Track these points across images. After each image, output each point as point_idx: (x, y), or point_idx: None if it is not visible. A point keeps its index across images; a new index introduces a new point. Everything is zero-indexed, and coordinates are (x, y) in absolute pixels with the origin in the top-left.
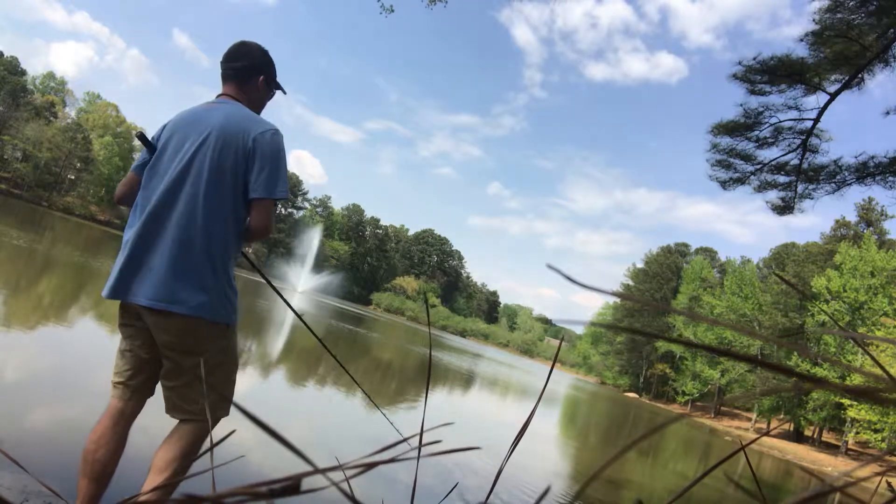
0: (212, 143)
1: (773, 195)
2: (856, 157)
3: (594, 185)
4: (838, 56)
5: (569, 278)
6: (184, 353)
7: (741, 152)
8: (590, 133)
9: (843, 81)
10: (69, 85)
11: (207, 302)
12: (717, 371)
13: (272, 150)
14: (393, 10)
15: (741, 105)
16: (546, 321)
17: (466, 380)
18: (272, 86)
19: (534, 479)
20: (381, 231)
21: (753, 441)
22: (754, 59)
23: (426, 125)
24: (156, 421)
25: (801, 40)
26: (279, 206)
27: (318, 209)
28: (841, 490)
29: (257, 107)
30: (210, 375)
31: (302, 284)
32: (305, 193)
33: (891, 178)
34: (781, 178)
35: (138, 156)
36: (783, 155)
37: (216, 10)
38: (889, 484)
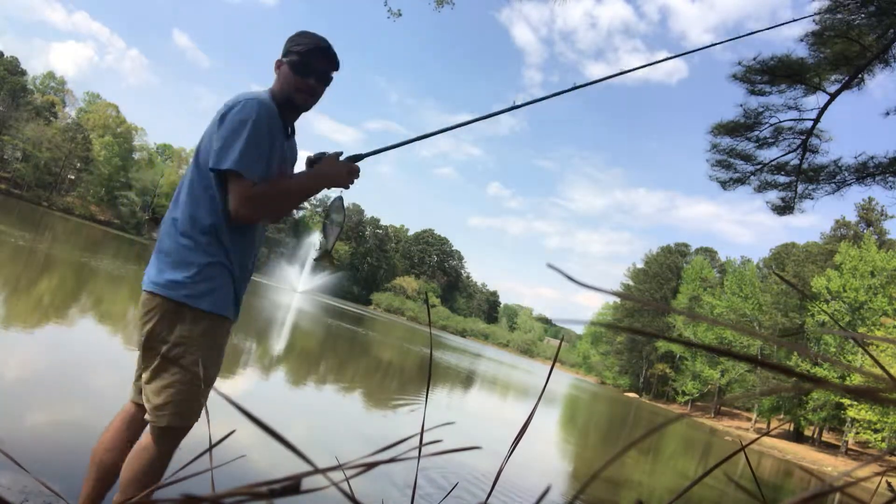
0: (206, 130)
1: (773, 195)
2: (856, 158)
3: (594, 185)
4: (838, 56)
5: (569, 277)
6: (148, 337)
7: (741, 152)
8: (590, 133)
9: (843, 81)
10: (69, 85)
11: (174, 281)
12: (717, 371)
13: (232, 119)
14: (401, 14)
15: (741, 105)
16: (546, 321)
17: (466, 380)
18: (298, 70)
19: (534, 479)
20: (381, 231)
21: (753, 441)
22: (754, 59)
23: (426, 125)
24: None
25: (801, 40)
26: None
27: (318, 209)
28: (841, 490)
29: (280, 93)
30: (170, 368)
31: (302, 285)
32: None
33: (891, 178)
34: (781, 178)
35: None
36: (783, 155)
37: (216, 10)
38: (889, 484)
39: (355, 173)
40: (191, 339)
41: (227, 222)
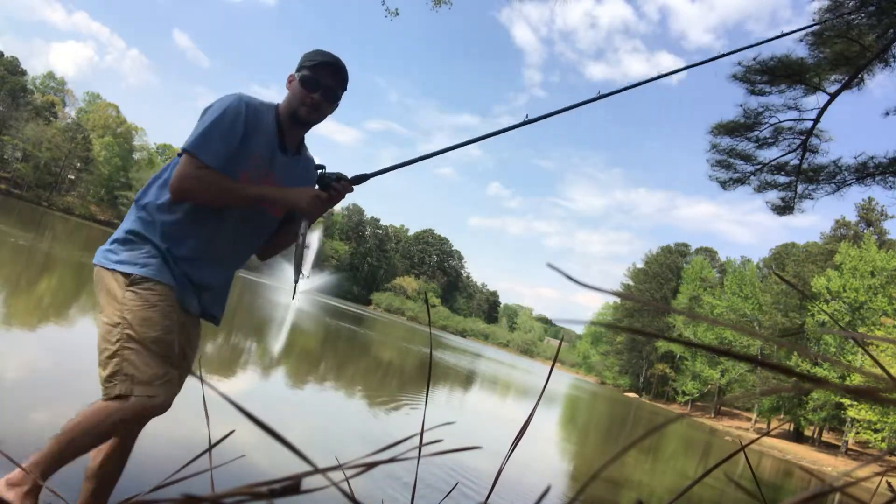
0: None
1: (773, 195)
2: (856, 158)
3: (594, 185)
4: (838, 56)
5: (569, 277)
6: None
7: (741, 152)
8: (590, 133)
9: (843, 81)
10: (69, 85)
11: (106, 250)
12: (717, 371)
13: (206, 110)
14: (398, 13)
15: (741, 105)
16: (546, 321)
17: (467, 379)
18: (306, 84)
19: (534, 479)
20: (381, 231)
21: (753, 441)
22: (754, 59)
23: (426, 125)
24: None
25: (801, 40)
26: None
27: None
28: (841, 490)
29: (286, 107)
30: (109, 337)
31: (301, 284)
32: None
33: (891, 178)
34: (781, 179)
35: None
36: (783, 155)
37: (216, 10)
38: (889, 484)
39: (324, 203)
40: (123, 306)
41: (162, 201)
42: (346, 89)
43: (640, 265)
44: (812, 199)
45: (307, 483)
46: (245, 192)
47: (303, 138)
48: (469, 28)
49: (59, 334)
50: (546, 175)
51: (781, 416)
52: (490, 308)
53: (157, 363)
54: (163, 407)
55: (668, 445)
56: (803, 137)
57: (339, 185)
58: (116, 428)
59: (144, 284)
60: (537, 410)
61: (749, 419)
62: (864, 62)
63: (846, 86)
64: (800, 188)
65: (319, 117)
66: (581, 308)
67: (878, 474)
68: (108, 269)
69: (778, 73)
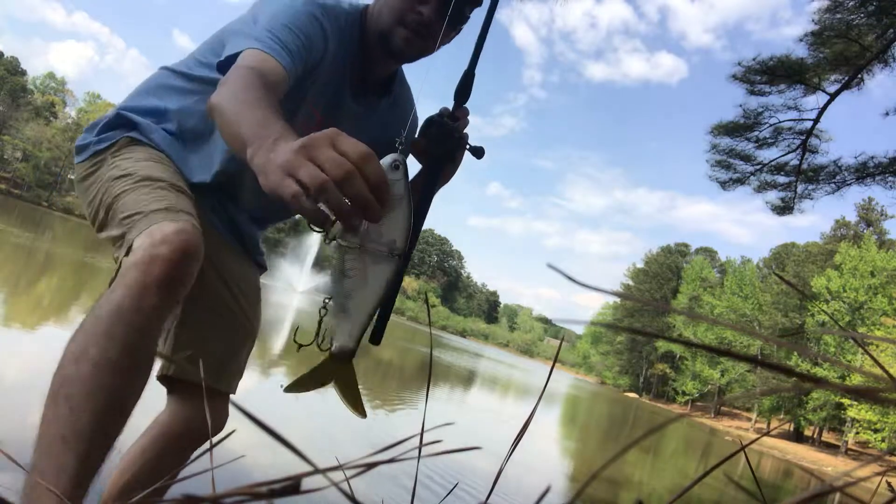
0: None
1: (773, 195)
2: (855, 158)
3: (594, 185)
4: (838, 56)
5: (569, 278)
6: None
7: (741, 153)
8: (590, 133)
9: (843, 82)
10: (69, 85)
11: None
12: (717, 371)
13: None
14: None
15: (741, 105)
16: (546, 321)
17: (467, 379)
18: None
19: (534, 479)
20: None
21: (753, 441)
22: (754, 59)
23: None
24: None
25: (801, 40)
26: None
27: None
28: (841, 490)
29: (376, 16)
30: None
31: (302, 284)
32: None
33: (890, 178)
34: (781, 179)
35: None
36: (783, 155)
37: (216, 10)
38: (889, 484)
39: (310, 181)
40: (113, 168)
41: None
42: (479, 3)
43: (640, 265)
44: (812, 199)
45: (307, 483)
46: (233, 123)
47: (395, 73)
48: (468, 28)
49: (59, 333)
50: (546, 175)
51: (781, 416)
52: (490, 308)
53: (162, 197)
54: (187, 238)
55: (668, 445)
56: (803, 137)
57: (462, 127)
58: (137, 300)
59: (142, 145)
60: (538, 410)
61: (749, 419)
62: (864, 62)
63: (846, 86)
64: (800, 188)
65: (423, 47)
66: (581, 308)
67: (878, 474)
68: (87, 158)
69: (778, 73)
